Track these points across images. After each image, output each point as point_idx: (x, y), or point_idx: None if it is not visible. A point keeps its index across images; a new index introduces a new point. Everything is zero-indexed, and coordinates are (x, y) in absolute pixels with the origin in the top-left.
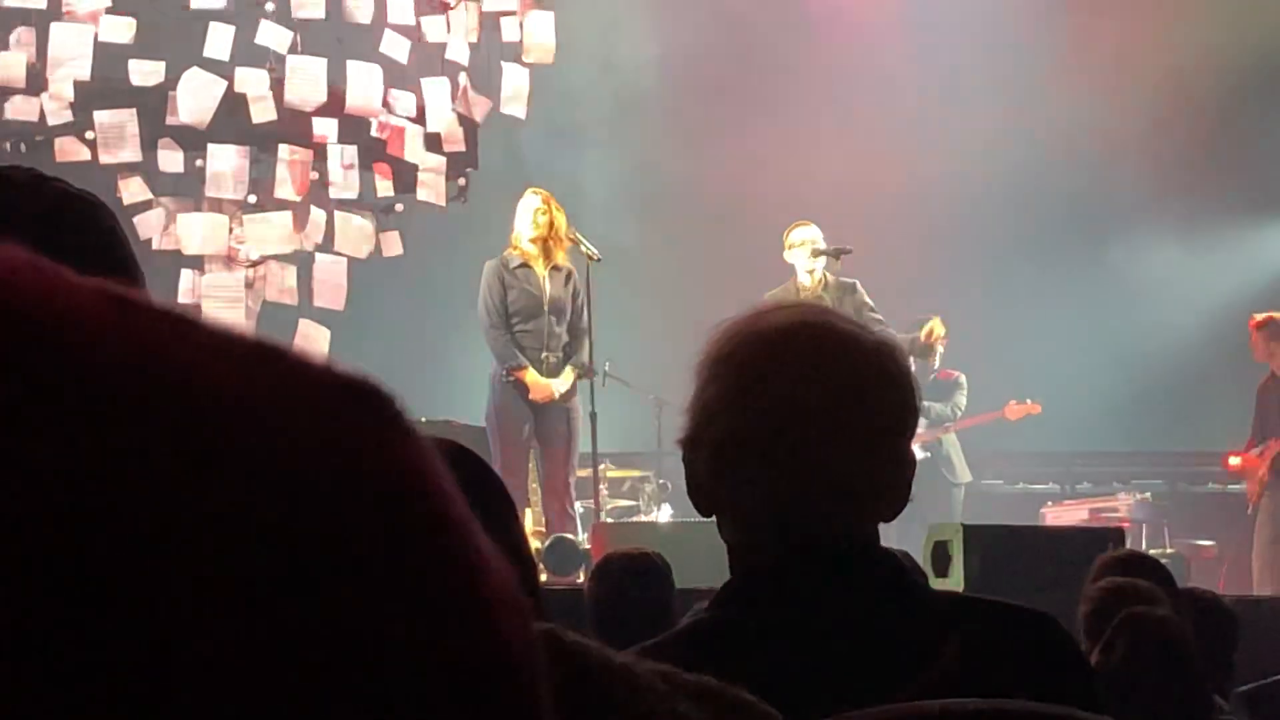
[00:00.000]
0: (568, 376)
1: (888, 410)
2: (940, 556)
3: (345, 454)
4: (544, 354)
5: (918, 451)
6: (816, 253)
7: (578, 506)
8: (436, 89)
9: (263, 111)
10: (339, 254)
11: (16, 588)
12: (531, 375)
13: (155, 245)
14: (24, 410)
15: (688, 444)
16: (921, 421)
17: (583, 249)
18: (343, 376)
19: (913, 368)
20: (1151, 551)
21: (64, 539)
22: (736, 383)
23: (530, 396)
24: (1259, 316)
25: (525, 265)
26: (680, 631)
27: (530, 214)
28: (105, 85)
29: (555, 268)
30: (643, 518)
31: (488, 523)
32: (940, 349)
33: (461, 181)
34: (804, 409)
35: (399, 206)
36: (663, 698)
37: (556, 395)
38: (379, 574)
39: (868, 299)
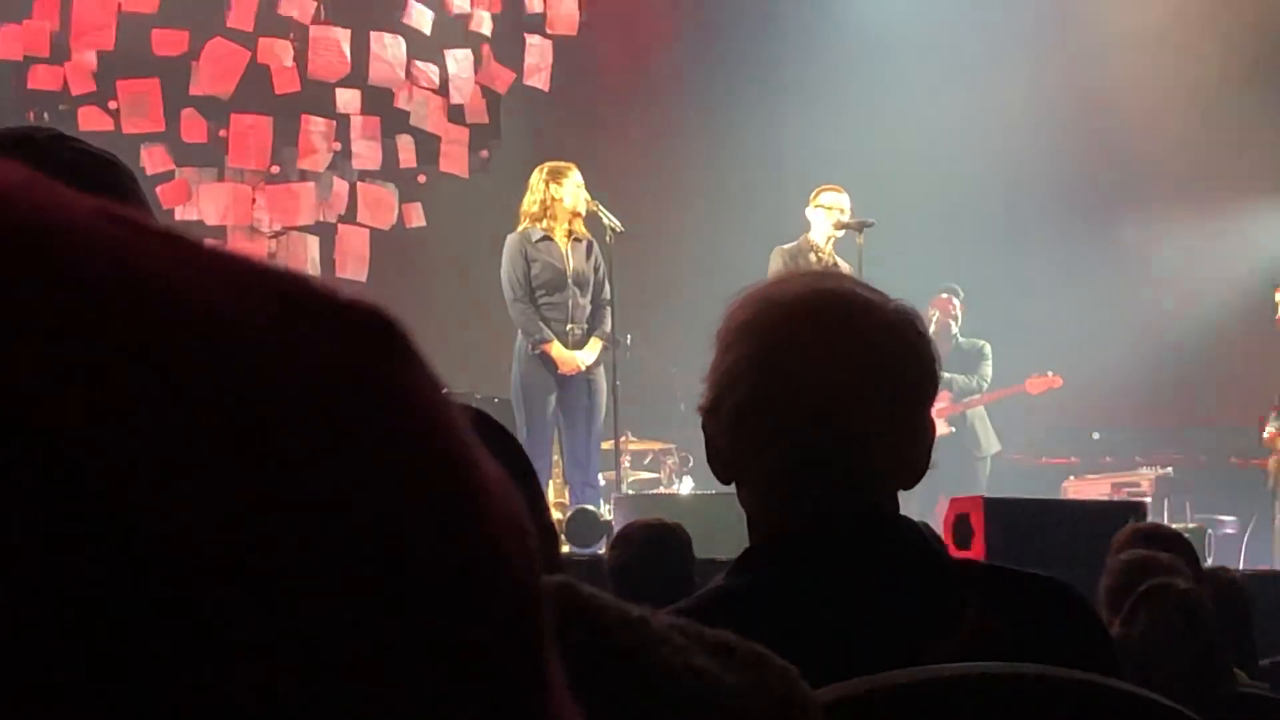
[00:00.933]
0: (594, 347)
1: (908, 377)
2: (961, 528)
3: (343, 374)
4: (569, 326)
5: (941, 426)
6: (840, 225)
7: (599, 479)
8: (460, 60)
9: (286, 82)
10: (362, 225)
11: None
12: (557, 349)
13: (178, 215)
14: (10, 318)
15: (708, 411)
16: (945, 394)
17: (604, 220)
18: (351, 303)
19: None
20: (1174, 526)
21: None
22: (757, 350)
23: (559, 370)
24: None
25: (547, 238)
26: (699, 597)
27: (578, 191)
28: (128, 55)
29: (576, 239)
30: (664, 490)
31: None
32: (953, 324)
33: (484, 153)
34: (824, 376)
35: (422, 177)
36: (679, 650)
37: (583, 367)
38: (375, 490)
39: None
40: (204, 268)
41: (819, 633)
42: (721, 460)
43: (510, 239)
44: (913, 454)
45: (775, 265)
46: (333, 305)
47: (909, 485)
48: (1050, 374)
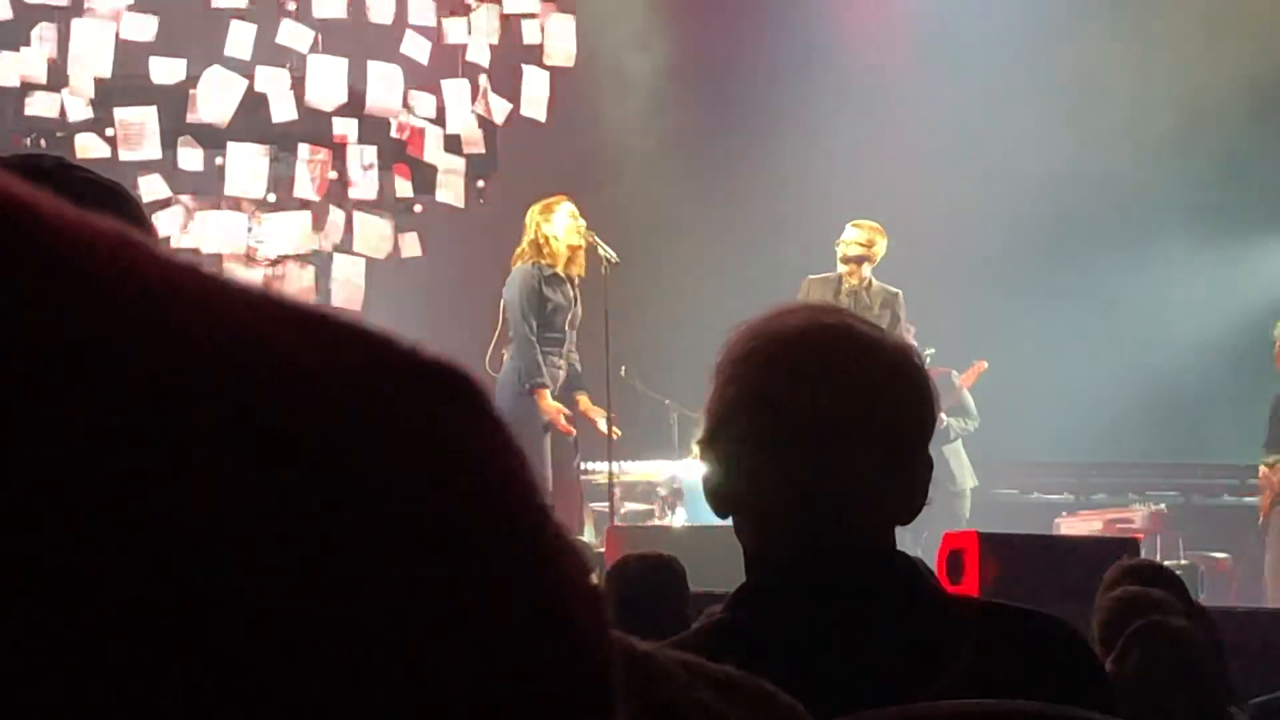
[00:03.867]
0: (588, 406)
1: (905, 412)
2: (954, 563)
3: (423, 431)
4: (560, 361)
5: None
6: (845, 259)
7: (591, 508)
8: (456, 90)
9: (283, 110)
10: (358, 254)
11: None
12: (547, 399)
13: (174, 243)
14: (25, 340)
15: (705, 444)
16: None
17: (600, 252)
18: (431, 360)
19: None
20: (1165, 563)
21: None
22: (755, 383)
23: (544, 414)
24: None
25: (555, 274)
26: (695, 631)
27: (571, 221)
28: (126, 82)
29: (573, 278)
30: (657, 521)
31: None
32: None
33: (481, 183)
34: (822, 410)
35: (418, 207)
36: (684, 686)
37: (562, 421)
38: (450, 556)
39: (903, 313)
40: (289, 323)
41: (815, 669)
42: (718, 493)
43: (522, 270)
44: (910, 489)
45: (801, 293)
46: (414, 362)
47: (906, 521)
48: (975, 362)
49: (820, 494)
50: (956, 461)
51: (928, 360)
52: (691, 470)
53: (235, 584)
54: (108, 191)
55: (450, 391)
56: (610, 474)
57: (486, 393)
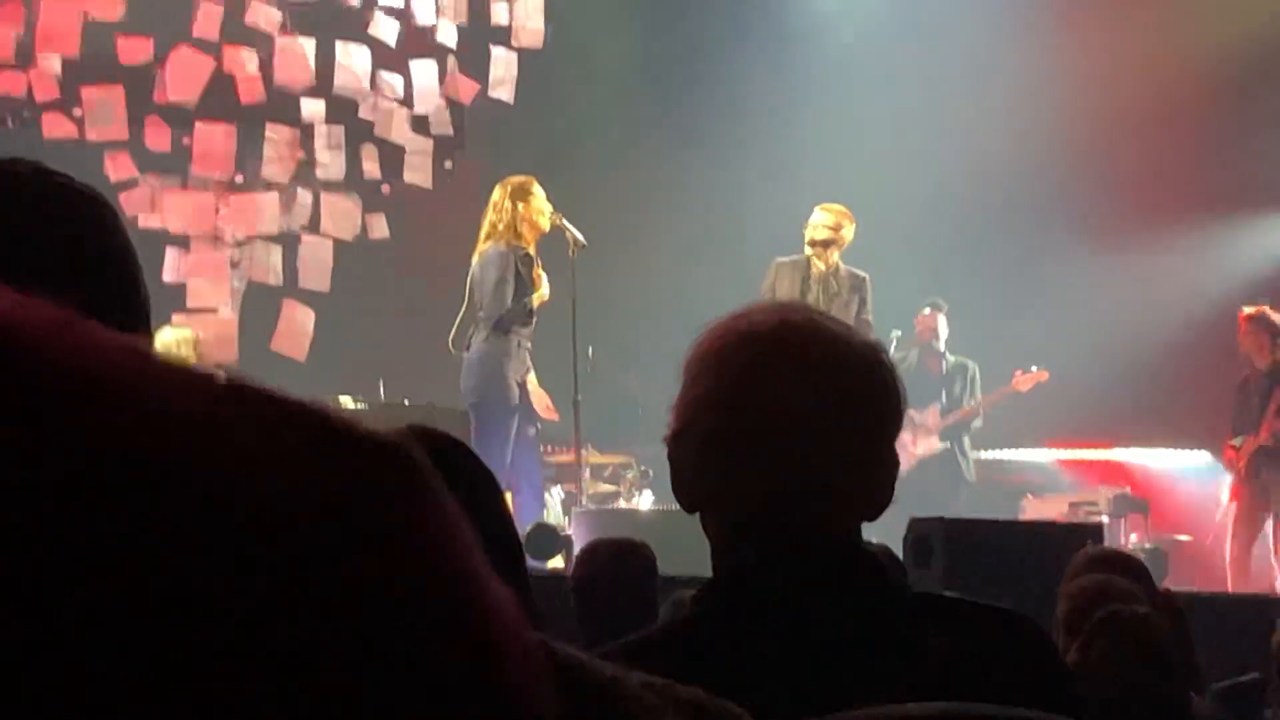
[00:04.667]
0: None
1: (873, 411)
2: (921, 548)
3: (357, 507)
4: (529, 343)
5: (934, 442)
6: (813, 243)
7: (558, 491)
8: (425, 71)
9: (251, 91)
10: (325, 235)
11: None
12: (534, 383)
13: (141, 223)
14: (47, 462)
15: (673, 440)
16: (934, 409)
17: (568, 234)
18: (367, 436)
19: (915, 360)
20: (1131, 546)
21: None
22: (722, 381)
23: (530, 400)
24: (1250, 309)
25: (529, 255)
26: (664, 629)
27: (545, 205)
28: (93, 62)
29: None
30: (624, 504)
31: (476, 513)
32: (937, 340)
33: (448, 164)
34: (789, 408)
35: (386, 188)
36: (651, 711)
37: (548, 406)
38: (383, 626)
39: (870, 298)
40: (225, 400)
41: (780, 669)
42: (686, 490)
43: (499, 252)
44: (876, 486)
45: (768, 278)
46: (350, 438)
47: (873, 517)
48: (1035, 369)
49: (787, 492)
50: (964, 457)
51: (894, 343)
52: (658, 452)
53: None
54: (83, 198)
55: (384, 465)
56: (578, 456)
57: (426, 469)
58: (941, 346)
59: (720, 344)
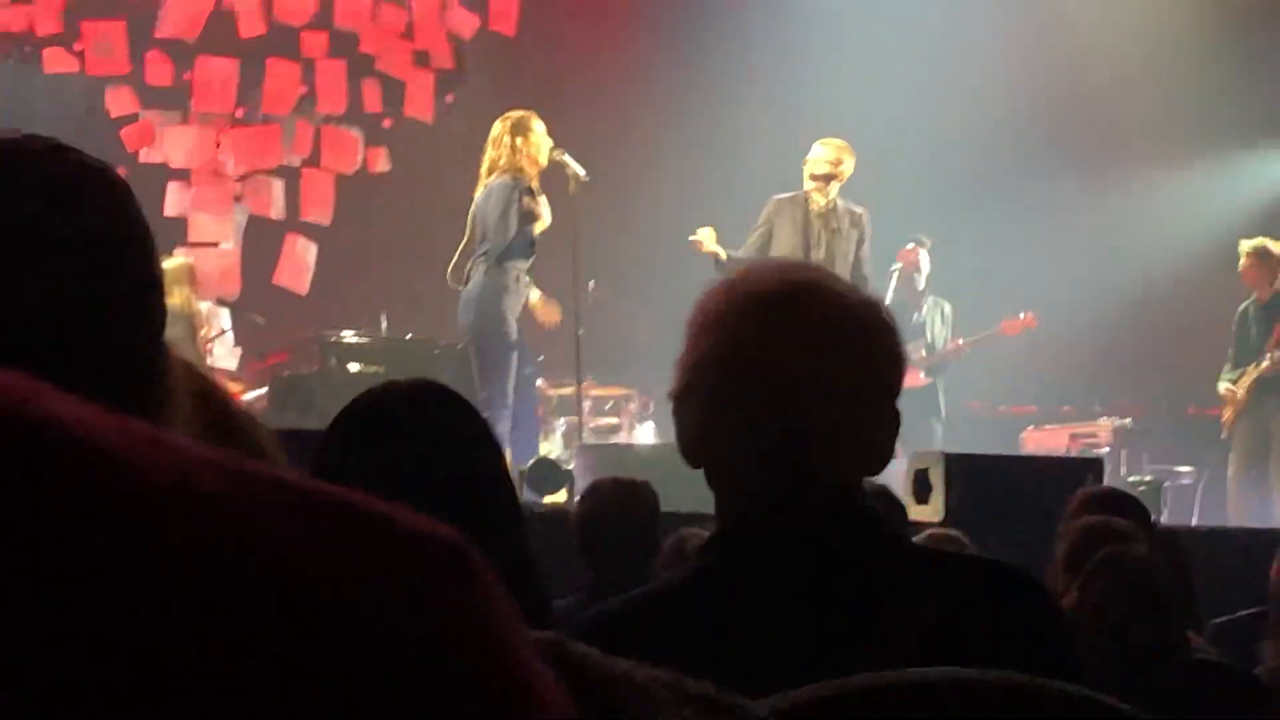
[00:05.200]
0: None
1: (874, 367)
2: (921, 485)
3: (406, 601)
4: (529, 277)
5: (918, 378)
6: (814, 177)
7: (560, 425)
8: (426, 5)
9: (252, 25)
10: (326, 169)
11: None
12: (537, 296)
13: (142, 158)
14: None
15: (678, 397)
16: (920, 345)
17: (570, 169)
18: (415, 530)
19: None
20: (1130, 479)
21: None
22: (727, 339)
23: (541, 320)
24: (1252, 242)
25: (531, 188)
26: (669, 581)
27: (545, 140)
28: None
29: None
30: (625, 437)
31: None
32: (919, 276)
33: (450, 98)
34: (792, 366)
35: (387, 122)
36: (664, 705)
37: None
38: (442, 709)
39: (868, 234)
40: (299, 509)
41: (782, 622)
42: (691, 446)
43: (505, 185)
44: (878, 442)
45: (765, 213)
46: (397, 532)
47: (875, 472)
48: (1023, 314)
49: (789, 448)
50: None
51: (894, 277)
52: (659, 384)
53: None
54: (97, 175)
55: (433, 559)
56: (579, 389)
57: (481, 565)
58: (922, 284)
59: (724, 303)
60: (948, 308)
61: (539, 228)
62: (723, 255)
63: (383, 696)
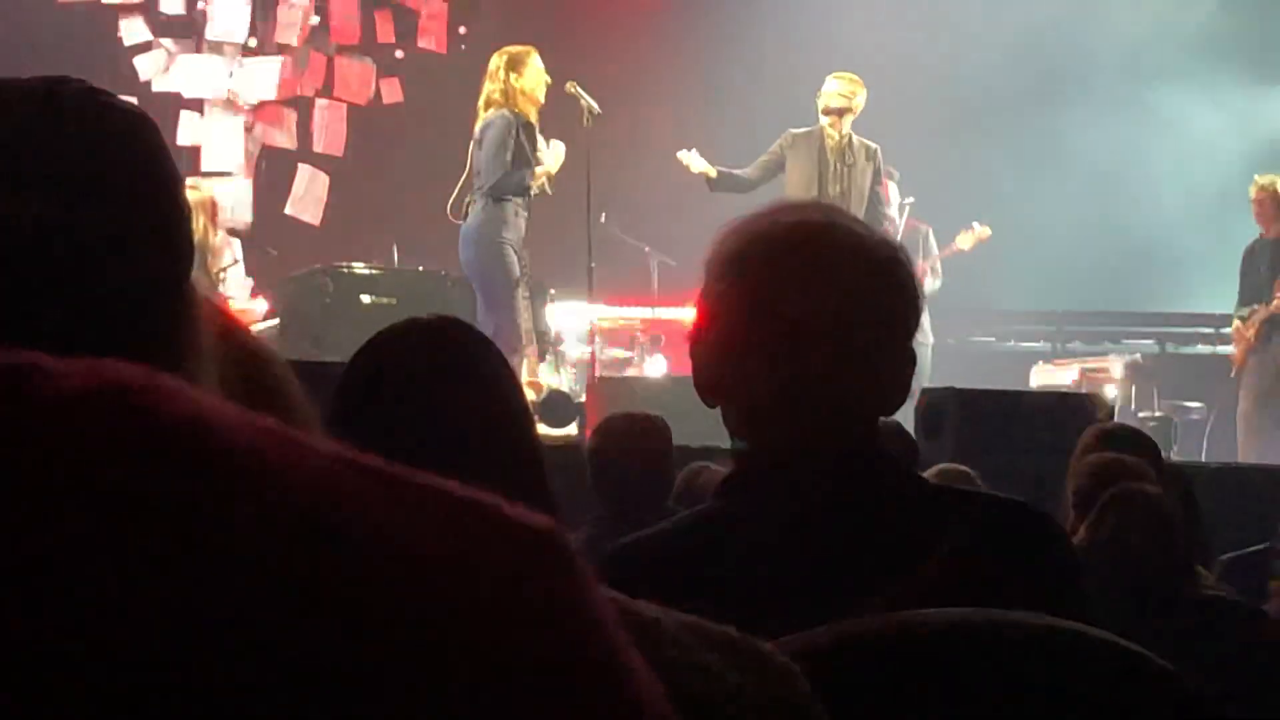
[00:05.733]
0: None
1: (891, 308)
2: (931, 419)
3: (510, 591)
4: (526, 213)
5: None
6: (826, 110)
7: (572, 355)
8: None
9: None
10: (339, 99)
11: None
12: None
13: (155, 87)
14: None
15: (694, 338)
16: None
17: (582, 102)
18: (516, 521)
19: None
20: (1140, 414)
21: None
22: (744, 281)
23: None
24: (1265, 178)
25: (530, 123)
26: (683, 521)
27: (542, 76)
28: None
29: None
30: (635, 369)
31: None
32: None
33: (463, 29)
34: (809, 306)
35: (400, 53)
36: (688, 650)
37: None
38: (542, 700)
39: (882, 169)
40: (411, 503)
41: (798, 561)
42: (708, 386)
43: (502, 117)
44: (894, 384)
45: (777, 144)
46: (500, 524)
47: (889, 413)
48: (976, 225)
49: (805, 389)
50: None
51: (906, 211)
52: (671, 316)
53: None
54: (128, 118)
55: (533, 549)
56: (591, 324)
57: (570, 546)
58: (893, 212)
59: (741, 244)
60: (930, 237)
61: (542, 170)
62: (711, 173)
63: (489, 686)
